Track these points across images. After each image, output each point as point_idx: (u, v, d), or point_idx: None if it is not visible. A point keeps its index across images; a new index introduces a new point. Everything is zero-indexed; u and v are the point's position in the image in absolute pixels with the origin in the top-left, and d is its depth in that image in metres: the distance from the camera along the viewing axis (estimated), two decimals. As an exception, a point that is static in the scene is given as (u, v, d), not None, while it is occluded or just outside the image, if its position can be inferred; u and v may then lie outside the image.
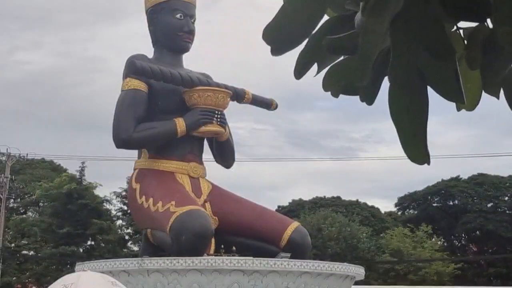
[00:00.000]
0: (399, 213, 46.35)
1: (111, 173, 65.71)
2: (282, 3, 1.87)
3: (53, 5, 79.97)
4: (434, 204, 44.19)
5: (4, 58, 71.34)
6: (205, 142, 9.63)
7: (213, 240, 8.39)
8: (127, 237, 38.74)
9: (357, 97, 1.93)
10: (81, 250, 35.95)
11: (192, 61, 9.94)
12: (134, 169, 9.37)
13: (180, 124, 8.87)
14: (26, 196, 42.60)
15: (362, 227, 38.46)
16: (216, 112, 8.96)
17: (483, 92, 1.97)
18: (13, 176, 37.94)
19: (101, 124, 64.70)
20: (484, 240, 41.54)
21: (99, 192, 38.03)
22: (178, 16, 9.36)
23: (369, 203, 45.69)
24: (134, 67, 8.67)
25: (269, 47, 1.92)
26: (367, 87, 1.85)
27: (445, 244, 42.29)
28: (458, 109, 2.05)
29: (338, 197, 45.60)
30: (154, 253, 8.63)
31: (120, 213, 39.08)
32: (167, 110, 9.01)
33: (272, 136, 70.73)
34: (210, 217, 8.53)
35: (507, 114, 1.98)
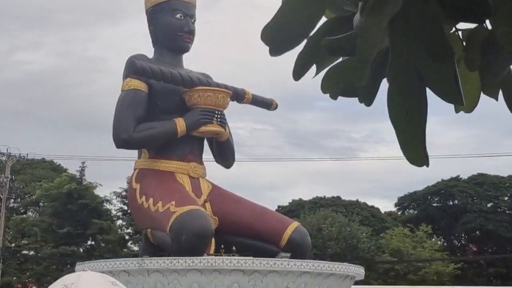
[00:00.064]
0: (399, 213, 46.34)
1: (111, 173, 65.74)
2: (281, 3, 1.87)
3: (53, 5, 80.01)
4: (434, 204, 44.18)
5: (4, 58, 71.40)
6: (205, 142, 9.63)
7: (213, 240, 8.40)
8: (127, 237, 38.74)
9: (356, 98, 1.93)
10: (81, 250, 35.95)
11: (192, 61, 9.95)
12: (134, 169, 9.37)
13: (180, 124, 8.87)
14: (26, 196, 42.61)
15: (362, 227, 38.45)
16: (216, 112, 8.97)
17: (481, 93, 1.97)
18: (13, 176, 37.95)
19: (101, 124, 64.76)
20: (484, 240, 41.54)
21: (99, 192, 38.09)
22: (178, 16, 9.36)
23: (369, 203, 45.74)
24: (134, 67, 8.67)
25: (268, 47, 1.92)
26: (365, 88, 1.85)
27: (445, 244, 42.28)
28: (457, 110, 2.05)
29: (338, 197, 45.60)
30: (154, 253, 8.63)
31: (120, 213, 39.09)
32: (167, 110, 9.02)
33: (272, 136, 70.77)
34: (210, 217, 8.53)
35: (507, 115, 1.98)
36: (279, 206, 43.44)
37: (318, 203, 43.36)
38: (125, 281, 7.50)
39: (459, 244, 44.44)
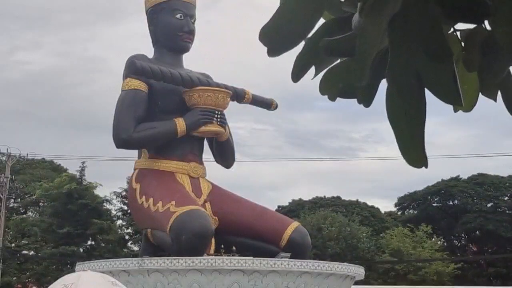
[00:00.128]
0: (399, 213, 46.33)
1: (111, 173, 65.74)
2: (279, 4, 1.87)
3: (53, 5, 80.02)
4: (434, 204, 44.17)
5: (4, 58, 71.40)
6: (205, 142, 9.64)
7: (213, 240, 8.40)
8: (127, 237, 38.75)
9: (355, 99, 1.93)
10: (81, 250, 35.94)
11: (192, 61, 9.95)
12: (134, 169, 9.37)
13: (180, 124, 8.87)
14: (26, 196, 42.60)
15: (362, 227, 38.45)
16: (216, 112, 8.97)
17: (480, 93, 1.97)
18: (13, 176, 37.95)
19: (101, 124, 64.76)
20: (484, 240, 41.54)
21: (99, 192, 38.08)
22: (178, 16, 9.36)
23: (369, 203, 45.73)
24: (134, 67, 8.67)
25: (266, 48, 1.92)
26: (364, 89, 1.85)
27: (445, 244, 42.28)
28: (455, 110, 2.05)
29: (338, 197, 45.60)
30: (154, 253, 8.64)
31: (120, 213, 39.09)
32: (167, 110, 9.02)
33: (272, 136, 70.77)
34: (210, 217, 8.53)
35: (507, 115, 1.99)
36: (279, 206, 43.45)
37: (318, 203, 43.35)
38: (125, 281, 7.51)
39: (459, 244, 44.43)
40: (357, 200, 45.18)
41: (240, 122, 64.88)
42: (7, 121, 65.39)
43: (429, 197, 44.14)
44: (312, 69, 2.00)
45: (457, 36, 1.89)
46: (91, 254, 32.69)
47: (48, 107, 72.84)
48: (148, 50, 9.70)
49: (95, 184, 37.56)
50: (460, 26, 1.88)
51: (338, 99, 2.00)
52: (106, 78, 70.55)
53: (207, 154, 9.74)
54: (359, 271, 8.83)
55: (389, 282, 33.12)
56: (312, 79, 2.00)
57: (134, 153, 9.57)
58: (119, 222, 39.41)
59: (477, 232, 41.59)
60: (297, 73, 1.97)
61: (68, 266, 33.54)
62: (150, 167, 9.12)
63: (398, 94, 1.78)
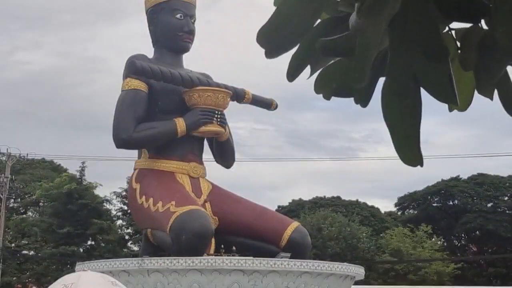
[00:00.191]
0: (399, 213, 46.33)
1: (111, 173, 65.77)
2: (276, 6, 1.86)
3: (53, 5, 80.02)
4: (434, 204, 44.17)
5: (4, 58, 71.41)
6: (205, 142, 9.64)
7: (213, 240, 8.40)
8: (127, 237, 38.75)
9: (350, 98, 1.93)
10: (81, 250, 35.94)
11: (192, 61, 9.95)
12: (134, 169, 9.37)
13: (180, 124, 8.87)
14: (26, 196, 42.60)
15: (362, 227, 38.45)
16: (216, 112, 8.97)
17: (476, 92, 1.97)
18: (13, 176, 37.95)
19: (101, 124, 64.78)
20: (484, 240, 41.54)
21: (99, 192, 38.08)
22: (178, 16, 9.36)
23: (369, 203, 45.72)
24: (134, 67, 8.67)
25: (264, 50, 1.92)
26: (362, 89, 1.85)
27: (445, 244, 42.28)
28: (450, 109, 2.06)
29: (338, 197, 45.59)
30: (154, 253, 8.64)
31: (120, 213, 39.09)
32: (167, 110, 9.02)
33: (272, 136, 70.77)
34: (210, 217, 8.53)
35: (507, 115, 1.99)
36: (279, 206, 43.45)
37: (318, 203, 43.34)
38: (125, 281, 7.51)
39: (459, 244, 44.43)
40: (357, 200, 45.19)
41: (240, 122, 64.95)
42: (7, 121, 65.44)
43: (429, 197, 44.14)
44: (308, 69, 2.00)
45: (452, 35, 1.89)
46: (91, 254, 32.69)
47: (48, 107, 72.89)
48: (148, 50, 9.71)
49: (95, 184, 37.57)
50: (455, 25, 1.88)
51: (337, 99, 2.00)
52: (106, 78, 70.60)
53: (207, 154, 9.75)
54: (359, 271, 8.83)
55: (389, 282, 33.12)
56: (307, 78, 2.00)
57: (134, 153, 9.57)
58: (119, 222, 39.43)
59: (477, 232, 41.59)
60: (293, 73, 1.97)
61: (68, 266, 33.54)
62: (150, 167, 9.12)
63: (395, 94, 1.78)
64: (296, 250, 8.53)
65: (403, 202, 45.62)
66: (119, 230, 38.58)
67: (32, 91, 72.48)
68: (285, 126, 70.99)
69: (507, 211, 41.74)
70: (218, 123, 9.00)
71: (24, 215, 41.69)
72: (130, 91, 8.97)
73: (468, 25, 1.85)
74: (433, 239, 39.92)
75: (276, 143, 71.06)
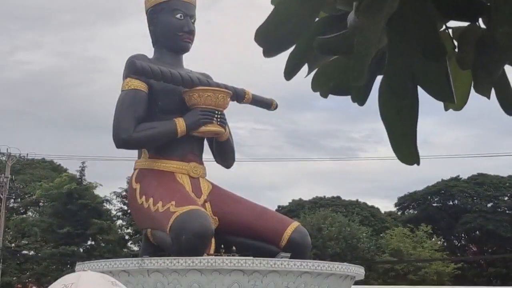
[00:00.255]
0: (399, 213, 46.34)
1: (111, 173, 65.77)
2: (274, 5, 1.86)
3: (53, 5, 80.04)
4: (434, 204, 44.17)
5: (4, 58, 71.43)
6: (205, 142, 9.64)
7: (213, 240, 8.40)
8: (127, 237, 38.75)
9: (348, 96, 1.93)
10: (81, 250, 35.94)
11: (192, 61, 9.95)
12: (134, 169, 9.37)
13: (180, 124, 8.87)
14: (26, 196, 42.60)
15: (362, 227, 38.45)
16: (216, 112, 8.97)
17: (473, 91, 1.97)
18: (13, 176, 37.96)
19: (101, 124, 64.79)
20: (484, 240, 41.55)
21: (99, 192, 38.08)
22: (178, 16, 9.36)
23: (369, 203, 45.73)
24: (134, 67, 8.67)
25: (262, 49, 1.91)
26: (359, 88, 1.85)
27: (445, 244, 42.29)
28: (446, 108, 2.06)
29: (338, 197, 45.60)
30: (154, 253, 8.63)
31: (120, 213, 39.10)
32: (167, 110, 9.02)
33: (272, 136, 70.78)
34: (210, 217, 8.53)
35: (506, 114, 1.99)
36: (279, 206, 43.45)
37: (318, 203, 43.34)
38: (125, 281, 7.51)
39: (459, 244, 44.44)
40: (357, 200, 45.19)
41: (240, 122, 64.97)
42: (7, 121, 65.45)
43: (429, 197, 44.15)
44: (305, 67, 2.00)
45: (449, 33, 1.89)
46: (91, 254, 32.68)
47: (48, 107, 72.90)
48: (148, 50, 9.71)
49: (95, 184, 37.57)
50: (452, 23, 1.88)
51: (337, 99, 2.00)
52: (106, 78, 70.61)
53: (207, 154, 9.76)
54: (359, 271, 8.83)
55: (389, 282, 33.12)
56: (305, 77, 2.00)
57: (134, 153, 9.57)
58: (119, 222, 39.43)
59: (477, 232, 41.60)
60: (290, 71, 1.97)
61: (68, 266, 33.54)
62: (150, 167, 9.12)
63: (393, 92, 1.78)
64: (296, 250, 8.53)
65: (403, 202, 45.63)
66: (119, 230, 38.59)
67: (32, 91, 72.54)
68: (285, 126, 71.06)
69: (507, 211, 41.74)
70: (218, 123, 9.00)
71: (24, 215, 41.68)
72: (130, 91, 8.97)
73: (465, 23, 1.85)
74: (433, 239, 39.93)
75: (276, 143, 71.12)
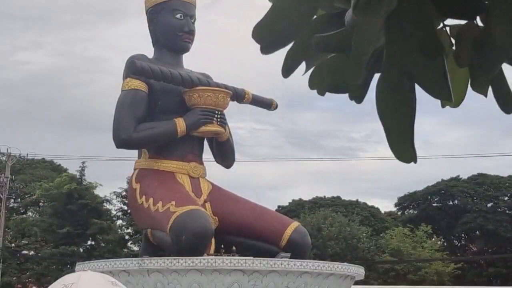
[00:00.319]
0: (399, 213, 46.34)
1: (111, 173, 65.73)
2: (272, 2, 1.86)
3: (53, 5, 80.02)
4: (434, 204, 44.17)
5: (4, 58, 71.39)
6: (205, 142, 9.64)
7: (213, 240, 8.40)
8: (127, 237, 38.73)
9: (345, 94, 1.93)
10: (81, 250, 35.94)
11: (192, 61, 9.96)
12: (134, 169, 9.37)
13: (180, 124, 8.87)
14: (26, 196, 42.60)
15: (362, 227, 38.44)
16: (216, 112, 8.97)
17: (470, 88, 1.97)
18: (13, 176, 37.96)
19: (101, 124, 64.76)
20: (484, 240, 41.53)
21: (99, 192, 38.07)
22: (178, 16, 9.37)
23: (369, 203, 45.71)
24: (134, 67, 8.67)
25: (259, 46, 1.91)
26: (357, 85, 1.85)
27: (445, 244, 42.28)
28: (443, 106, 2.06)
29: (338, 197, 45.59)
30: (154, 253, 8.64)
31: (120, 213, 39.08)
32: (167, 110, 9.02)
33: (272, 136, 70.77)
34: (210, 217, 8.53)
35: (507, 115, 1.99)
36: (279, 206, 43.43)
37: (318, 203, 43.34)
38: (125, 281, 7.51)
39: (459, 244, 44.44)
40: (357, 200, 45.18)
41: (240, 122, 64.98)
42: (7, 121, 65.42)
43: (429, 197, 44.14)
44: (303, 65, 1.99)
45: (446, 31, 1.89)
46: (91, 254, 32.69)
47: (48, 107, 72.90)
48: (148, 50, 9.71)
49: (95, 184, 37.55)
50: (450, 21, 1.88)
51: (337, 99, 2.01)
52: (106, 78, 70.59)
53: (207, 154, 9.76)
54: (359, 271, 8.83)
55: (389, 282, 33.12)
56: (303, 74, 2.00)
57: (134, 153, 9.57)
58: (119, 222, 39.42)
59: (477, 232, 41.59)
60: (288, 69, 1.97)
61: (68, 266, 33.53)
62: (150, 167, 9.12)
63: (390, 90, 1.78)
64: (296, 250, 8.53)
65: (403, 202, 45.62)
66: (119, 230, 38.57)
67: (32, 91, 72.52)
68: (285, 126, 71.03)
69: (507, 211, 41.74)
70: (218, 123, 9.00)
71: (24, 215, 41.69)
72: (130, 91, 8.98)
73: (463, 22, 1.85)
74: (433, 239, 39.92)
75: (276, 143, 71.10)
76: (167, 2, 9.40)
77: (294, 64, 1.96)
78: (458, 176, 44.05)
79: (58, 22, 76.85)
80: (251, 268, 7.72)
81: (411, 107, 1.81)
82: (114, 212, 39.14)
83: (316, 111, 76.88)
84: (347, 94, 1.94)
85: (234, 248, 8.38)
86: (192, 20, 9.53)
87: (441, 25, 1.87)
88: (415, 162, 1.86)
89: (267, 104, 9.80)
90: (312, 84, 1.97)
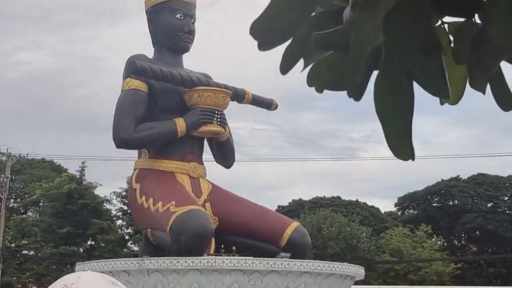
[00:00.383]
0: (399, 213, 46.34)
1: (111, 173, 65.78)
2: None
3: (53, 5, 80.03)
4: (434, 204, 44.18)
5: (4, 58, 71.42)
6: (205, 142, 9.64)
7: (213, 240, 8.40)
8: (127, 237, 38.74)
9: (344, 92, 1.93)
10: (81, 250, 35.94)
11: (192, 61, 9.96)
12: (134, 169, 9.37)
13: (180, 124, 8.87)
14: (26, 196, 42.59)
15: (362, 227, 38.44)
16: (216, 112, 8.97)
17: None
18: (13, 176, 37.95)
19: (101, 124, 64.78)
20: (483, 240, 41.55)
21: (99, 192, 38.07)
22: (178, 16, 9.37)
23: (369, 203, 45.72)
24: (134, 67, 8.67)
25: (257, 42, 1.91)
26: (355, 83, 1.85)
27: (445, 244, 42.28)
28: (442, 103, 2.06)
29: (338, 197, 45.59)
30: (154, 253, 8.64)
31: (120, 213, 39.09)
32: (167, 110, 9.02)
33: (272, 136, 70.79)
34: (210, 217, 8.53)
35: (507, 114, 1.98)
36: (279, 206, 43.45)
37: (318, 203, 43.34)
38: (125, 281, 7.51)
39: (459, 244, 44.44)
40: (357, 200, 45.19)
41: (240, 122, 65.03)
42: (7, 121, 65.43)
43: (429, 197, 44.15)
44: (301, 62, 1.99)
45: (444, 28, 1.88)
46: (91, 254, 32.69)
47: (48, 107, 72.90)
48: (148, 50, 9.72)
49: (95, 184, 37.55)
50: (448, 18, 1.88)
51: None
52: (106, 78, 70.60)
53: (207, 154, 9.76)
54: (359, 271, 8.83)
55: (389, 282, 33.12)
56: (301, 71, 1.99)
57: (134, 153, 9.57)
58: (119, 222, 39.43)
59: (477, 232, 41.60)
60: (286, 66, 1.96)
61: (68, 266, 33.52)
62: (150, 167, 9.13)
63: (388, 87, 1.78)
64: (296, 250, 8.53)
65: (403, 202, 45.63)
66: (119, 230, 38.58)
67: (32, 91, 72.52)
68: (285, 126, 71.06)
69: (507, 211, 41.74)
70: (218, 123, 9.00)
71: (24, 215, 41.67)
72: (130, 91, 8.98)
73: (461, 19, 1.85)
74: (433, 239, 39.93)
75: (276, 143, 71.13)
76: (167, 2, 9.40)
77: (292, 61, 1.95)
78: (458, 176, 44.06)
79: (58, 22, 76.94)
80: (251, 268, 7.72)
81: (409, 105, 1.81)
82: (114, 212, 39.18)
83: (316, 111, 76.95)
84: (346, 93, 1.93)
85: (234, 248, 8.38)
86: (192, 20, 9.53)
87: (439, 22, 1.87)
88: (413, 159, 1.86)
89: (267, 104, 9.80)
90: (311, 81, 1.97)
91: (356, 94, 1.88)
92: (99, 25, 79.81)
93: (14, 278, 36.41)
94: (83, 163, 38.19)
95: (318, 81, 1.96)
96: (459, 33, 1.82)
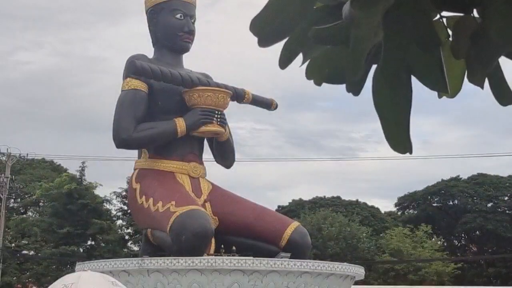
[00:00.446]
0: (399, 213, 46.34)
1: (111, 173, 65.75)
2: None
3: (53, 5, 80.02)
4: (434, 204, 44.18)
5: (5, 58, 71.42)
6: (205, 142, 9.64)
7: (213, 240, 8.40)
8: (127, 237, 38.73)
9: (357, 98, 1.93)
10: (81, 250, 35.93)
11: (192, 61, 9.96)
12: (134, 169, 9.37)
13: (180, 124, 8.87)
14: (26, 196, 42.59)
15: (362, 227, 38.44)
16: (216, 112, 8.97)
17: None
18: (13, 176, 37.94)
19: (101, 124, 64.80)
20: (484, 240, 41.55)
21: (99, 192, 38.05)
22: (178, 16, 9.37)
23: (369, 203, 45.71)
24: (134, 67, 8.67)
25: (257, 38, 1.91)
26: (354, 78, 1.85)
27: (445, 244, 42.26)
28: (440, 96, 2.06)
29: (338, 197, 45.59)
30: (154, 253, 8.63)
31: (120, 213, 39.07)
32: (167, 110, 9.02)
33: (272, 136, 70.80)
34: (210, 217, 8.53)
35: (507, 114, 1.99)
36: (279, 206, 43.44)
37: (318, 203, 43.33)
38: (125, 281, 7.51)
39: (459, 244, 44.44)
40: (357, 200, 45.18)
41: (240, 122, 65.01)
42: (7, 121, 65.42)
43: (429, 197, 44.15)
44: (300, 57, 1.99)
45: (443, 23, 1.88)
46: (91, 254, 32.69)
47: (48, 107, 72.91)
48: (148, 50, 9.71)
49: (95, 184, 37.53)
50: (447, 13, 1.88)
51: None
52: (106, 78, 70.58)
53: (207, 154, 9.76)
54: (359, 271, 8.83)
55: (389, 282, 33.12)
56: (300, 66, 1.99)
57: (134, 153, 9.57)
58: (119, 222, 39.41)
59: (477, 232, 41.60)
60: (285, 61, 1.96)
61: (68, 266, 33.54)
62: (150, 167, 9.13)
63: (387, 81, 1.78)
64: (296, 250, 8.53)
65: (403, 202, 45.62)
66: (119, 230, 38.57)
67: (32, 91, 72.50)
68: (285, 126, 71.05)
69: (507, 211, 41.74)
70: (218, 123, 9.00)
71: (24, 215, 41.67)
72: (130, 91, 8.98)
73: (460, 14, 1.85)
74: (433, 239, 39.91)
75: (276, 143, 71.13)
76: (167, 2, 9.40)
77: (291, 55, 1.95)
78: (458, 176, 44.06)
79: (58, 22, 76.92)
80: (251, 268, 7.72)
81: (407, 99, 1.81)
82: (114, 212, 39.16)
83: (316, 111, 76.93)
84: (346, 93, 1.93)
85: (234, 248, 8.38)
86: (192, 20, 9.53)
87: (438, 16, 1.87)
88: (411, 153, 1.86)
89: (267, 104, 9.80)
90: (309, 74, 1.97)
91: (355, 88, 1.88)
92: (99, 25, 79.86)
93: (14, 278, 36.41)
94: (83, 163, 38.22)
95: (317, 74, 1.97)
96: (457, 27, 1.82)
